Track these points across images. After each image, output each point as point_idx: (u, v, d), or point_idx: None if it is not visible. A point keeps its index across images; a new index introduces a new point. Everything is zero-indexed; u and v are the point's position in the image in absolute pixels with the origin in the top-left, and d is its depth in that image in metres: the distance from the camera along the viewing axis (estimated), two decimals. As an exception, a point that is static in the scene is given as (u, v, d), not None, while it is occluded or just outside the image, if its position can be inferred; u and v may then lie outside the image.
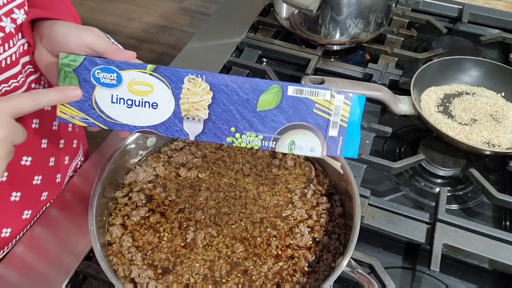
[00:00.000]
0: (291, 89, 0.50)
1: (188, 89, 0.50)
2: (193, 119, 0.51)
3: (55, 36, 0.52)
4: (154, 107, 0.51)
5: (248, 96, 0.50)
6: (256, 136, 0.51)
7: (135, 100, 0.50)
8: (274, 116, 0.50)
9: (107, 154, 0.63)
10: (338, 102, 0.50)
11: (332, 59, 1.01)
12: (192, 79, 0.50)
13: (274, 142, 0.51)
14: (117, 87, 0.50)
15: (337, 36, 0.95)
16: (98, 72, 0.50)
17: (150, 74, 0.50)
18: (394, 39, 1.05)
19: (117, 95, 0.50)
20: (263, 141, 0.51)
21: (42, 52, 0.54)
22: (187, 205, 0.63)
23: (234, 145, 0.51)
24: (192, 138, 0.51)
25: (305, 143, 0.51)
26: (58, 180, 0.71)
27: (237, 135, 0.51)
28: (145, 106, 0.51)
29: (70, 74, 0.50)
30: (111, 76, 0.50)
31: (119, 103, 0.51)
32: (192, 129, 0.51)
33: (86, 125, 0.52)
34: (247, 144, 0.51)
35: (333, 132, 0.51)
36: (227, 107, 0.50)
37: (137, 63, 0.50)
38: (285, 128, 0.51)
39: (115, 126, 0.52)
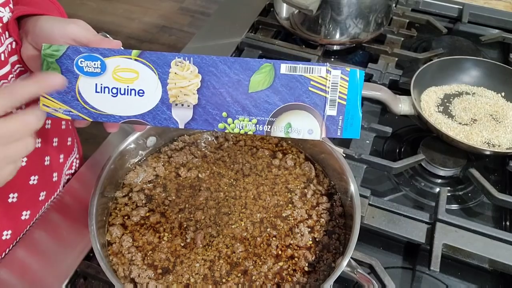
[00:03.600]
0: (284, 67, 0.47)
1: (175, 73, 0.47)
2: (182, 105, 0.48)
3: (39, 31, 0.51)
4: (141, 94, 0.48)
5: (239, 77, 0.47)
6: (250, 120, 0.48)
7: (120, 88, 0.48)
8: (267, 97, 0.47)
9: (107, 154, 0.63)
10: (335, 78, 0.47)
11: (332, 59, 1.01)
12: (180, 62, 0.47)
13: (269, 126, 0.48)
14: (101, 76, 0.48)
15: (337, 36, 0.95)
16: (81, 61, 0.48)
17: (135, 60, 0.47)
18: (394, 39, 1.05)
19: (101, 84, 0.48)
20: (257, 125, 0.48)
21: (27, 49, 0.53)
22: (187, 205, 0.63)
23: (226, 131, 0.48)
24: (181, 126, 0.48)
25: (302, 125, 0.48)
26: (55, 179, 0.71)
27: (229, 120, 0.48)
28: (130, 94, 0.48)
29: (53, 65, 0.48)
30: (95, 64, 0.48)
31: (104, 92, 0.48)
32: (182, 116, 0.48)
33: (70, 118, 0.49)
34: (240, 129, 0.48)
35: (331, 111, 0.48)
36: (217, 90, 0.47)
37: (122, 50, 0.48)
38: (280, 109, 0.48)
39: (100, 117, 0.49)
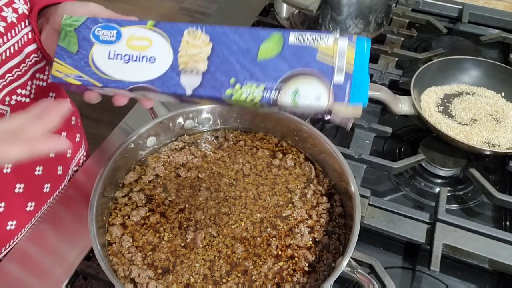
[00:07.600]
0: (293, 36, 0.48)
1: (187, 41, 0.49)
2: (191, 71, 0.49)
3: (61, 11, 0.54)
4: (152, 61, 0.50)
5: (249, 46, 0.48)
6: (257, 87, 0.48)
7: (132, 55, 0.50)
8: (275, 64, 0.48)
9: (109, 152, 0.63)
10: (342, 46, 0.48)
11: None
12: (192, 31, 0.49)
13: (277, 92, 0.48)
14: (115, 43, 0.50)
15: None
16: (98, 30, 0.50)
17: (150, 29, 0.50)
18: (394, 39, 1.05)
19: (114, 51, 0.50)
20: (265, 92, 0.48)
21: (48, 31, 0.56)
22: (187, 205, 0.63)
23: (233, 98, 0.48)
24: (189, 92, 0.49)
25: (309, 92, 0.47)
26: (59, 172, 0.72)
27: (237, 86, 0.48)
28: (142, 61, 0.50)
29: (70, 33, 0.50)
30: (110, 33, 0.50)
31: (116, 58, 0.50)
32: (190, 82, 0.49)
33: (80, 83, 0.51)
34: (247, 96, 0.48)
35: (338, 77, 0.48)
36: (226, 58, 0.49)
37: (139, 20, 0.51)
38: (288, 76, 0.48)
39: (110, 83, 0.50)
